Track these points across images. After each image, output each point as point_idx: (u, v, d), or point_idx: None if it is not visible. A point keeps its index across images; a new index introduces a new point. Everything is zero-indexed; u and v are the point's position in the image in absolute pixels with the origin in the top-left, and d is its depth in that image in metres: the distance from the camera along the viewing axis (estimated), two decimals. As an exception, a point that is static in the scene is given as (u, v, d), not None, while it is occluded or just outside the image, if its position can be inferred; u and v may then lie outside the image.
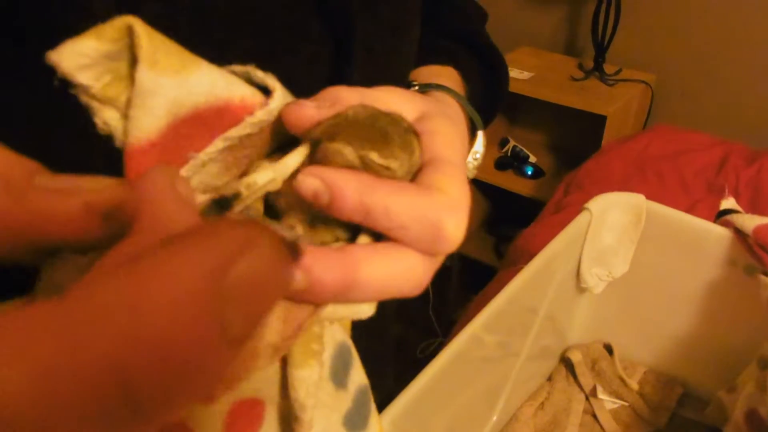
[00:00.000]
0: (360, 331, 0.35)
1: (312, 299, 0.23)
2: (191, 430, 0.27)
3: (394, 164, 0.27)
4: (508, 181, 1.88)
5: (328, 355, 0.32)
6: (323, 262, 0.22)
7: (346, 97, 0.27)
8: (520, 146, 1.94)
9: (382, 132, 0.27)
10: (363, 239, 0.26)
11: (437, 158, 0.27)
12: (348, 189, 0.23)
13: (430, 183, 0.25)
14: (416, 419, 0.57)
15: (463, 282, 2.14)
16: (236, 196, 0.23)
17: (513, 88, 1.73)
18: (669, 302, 0.85)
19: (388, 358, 0.59)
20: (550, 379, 0.88)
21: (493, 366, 0.73)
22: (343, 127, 0.25)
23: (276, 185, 0.24)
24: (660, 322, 0.86)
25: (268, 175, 0.24)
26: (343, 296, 0.23)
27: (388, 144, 0.27)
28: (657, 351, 0.87)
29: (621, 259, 0.85)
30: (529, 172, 1.89)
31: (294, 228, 0.26)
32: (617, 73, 1.81)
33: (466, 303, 1.39)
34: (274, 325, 0.23)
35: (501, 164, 1.91)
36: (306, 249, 0.23)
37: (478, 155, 0.45)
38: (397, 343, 0.64)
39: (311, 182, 0.23)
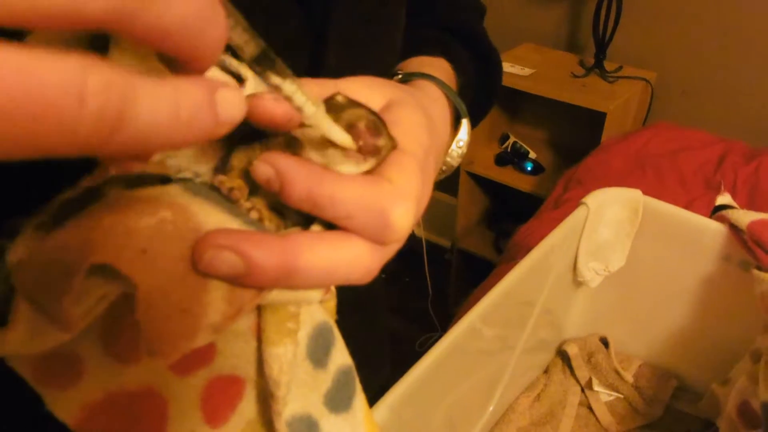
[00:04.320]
0: (350, 319, 0.35)
1: (252, 284, 0.23)
2: (165, 400, 0.28)
3: (387, 145, 0.28)
4: (507, 176, 1.89)
5: (304, 335, 0.33)
6: (262, 248, 0.23)
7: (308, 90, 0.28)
8: (520, 142, 1.95)
9: (379, 116, 0.28)
10: (315, 227, 0.26)
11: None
12: (297, 178, 0.24)
13: (379, 173, 0.26)
14: (414, 407, 0.58)
15: (462, 277, 2.15)
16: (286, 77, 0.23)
17: (514, 84, 1.74)
18: (665, 296, 0.86)
19: (382, 346, 0.60)
20: (546, 371, 0.89)
21: (490, 358, 0.74)
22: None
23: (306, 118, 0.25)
24: (655, 316, 0.87)
25: (311, 110, 0.24)
26: (283, 282, 0.24)
27: (384, 128, 0.28)
28: (652, 344, 0.89)
29: (618, 253, 0.86)
30: (529, 168, 1.90)
31: (252, 210, 0.27)
32: (618, 70, 1.81)
33: (464, 298, 1.41)
34: (217, 305, 0.24)
35: (501, 160, 1.92)
36: (246, 232, 0.23)
37: (461, 143, 0.45)
38: (396, 337, 0.65)
39: (265, 169, 0.24)
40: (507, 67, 1.81)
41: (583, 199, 0.82)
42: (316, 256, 0.24)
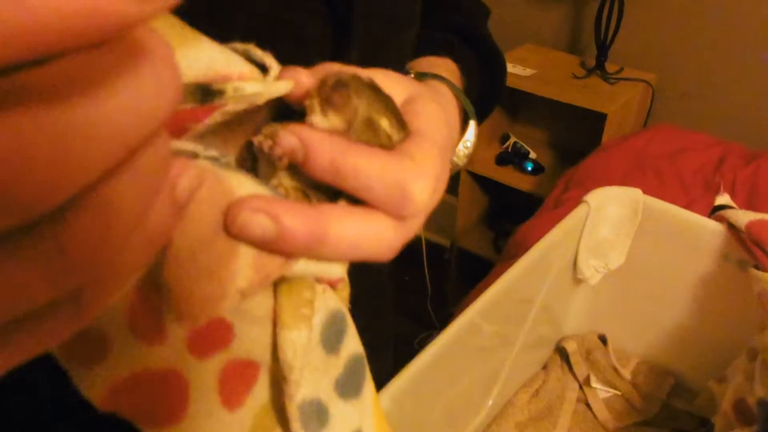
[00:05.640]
0: (359, 308, 0.36)
1: (281, 249, 0.24)
2: (187, 382, 0.29)
3: (395, 137, 0.29)
4: (508, 176, 1.90)
5: (318, 321, 0.33)
6: (295, 215, 0.24)
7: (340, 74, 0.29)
8: (520, 142, 1.95)
9: (389, 102, 0.29)
10: (342, 203, 0.27)
11: (414, 132, 0.29)
12: (321, 149, 0.25)
13: (401, 151, 0.28)
14: (415, 399, 0.59)
15: (462, 276, 2.16)
16: (220, 91, 0.24)
17: (515, 84, 1.75)
18: (663, 295, 0.87)
19: (387, 342, 0.61)
20: (545, 367, 0.90)
21: (489, 353, 0.75)
22: (357, 84, 0.27)
23: (259, 100, 0.25)
24: (654, 314, 0.88)
25: (256, 88, 0.25)
26: (312, 250, 0.25)
27: (395, 116, 0.29)
28: (650, 342, 0.89)
29: (617, 251, 0.87)
30: (529, 168, 1.91)
31: (279, 187, 0.28)
32: (619, 72, 1.82)
33: (464, 297, 1.42)
34: (245, 271, 0.24)
35: (501, 160, 1.93)
36: (279, 199, 0.24)
37: (468, 143, 0.47)
38: (395, 335, 0.66)
39: (290, 139, 0.25)
40: (509, 67, 1.82)
41: (584, 197, 0.83)
42: (343, 227, 0.25)
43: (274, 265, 0.26)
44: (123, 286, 0.20)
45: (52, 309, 0.16)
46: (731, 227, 0.81)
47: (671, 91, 1.87)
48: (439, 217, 2.35)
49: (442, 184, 0.31)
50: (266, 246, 0.25)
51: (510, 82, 1.76)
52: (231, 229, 0.24)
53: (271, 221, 0.23)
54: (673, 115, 1.87)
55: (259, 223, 0.23)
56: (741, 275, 0.80)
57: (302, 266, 0.28)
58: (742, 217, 0.81)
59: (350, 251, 0.26)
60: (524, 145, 1.95)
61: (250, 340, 0.32)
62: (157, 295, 0.27)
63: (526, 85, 1.75)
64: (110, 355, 0.27)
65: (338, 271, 0.30)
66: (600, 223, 0.85)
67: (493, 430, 0.79)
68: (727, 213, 0.83)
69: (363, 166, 0.26)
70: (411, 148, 0.28)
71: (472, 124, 0.46)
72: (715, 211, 0.85)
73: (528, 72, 1.80)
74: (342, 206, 0.27)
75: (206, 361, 0.30)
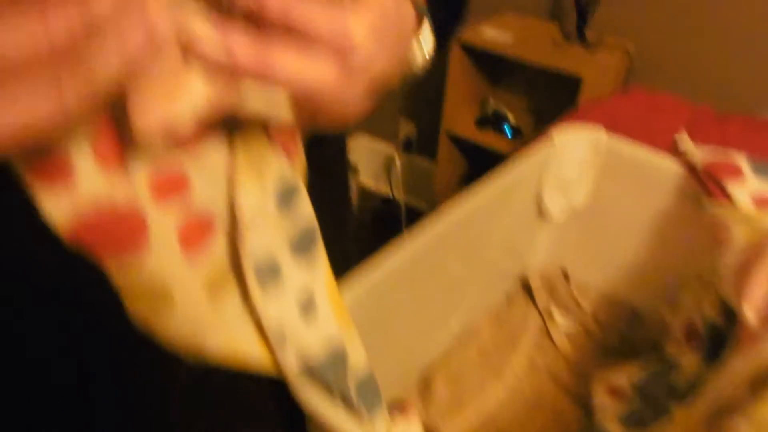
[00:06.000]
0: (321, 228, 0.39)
1: (230, 69, 0.27)
2: (147, 224, 0.31)
3: None
4: (487, 139, 1.93)
5: (272, 181, 0.36)
6: (245, 40, 0.27)
7: None
8: (500, 107, 1.98)
9: None
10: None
11: None
12: None
13: (345, 3, 0.31)
14: (378, 304, 0.62)
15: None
16: None
17: (495, 48, 1.78)
18: (624, 231, 0.90)
19: (346, 231, 0.64)
20: (508, 299, 0.93)
21: (452, 278, 0.77)
22: None
23: None
24: (615, 249, 0.92)
25: None
26: (258, 73, 0.28)
27: None
28: (611, 277, 0.93)
29: (581, 189, 0.90)
30: (508, 132, 1.94)
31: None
32: (598, 39, 1.85)
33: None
34: (198, 93, 0.28)
35: (481, 123, 1.96)
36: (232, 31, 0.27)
37: (426, 46, 0.49)
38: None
39: None
40: (489, 32, 1.84)
41: (550, 134, 0.86)
42: (287, 58, 0.28)
43: (224, 93, 0.29)
44: (97, 95, 0.22)
45: (34, 81, 0.19)
46: (689, 165, 0.84)
47: (649, 60, 1.90)
48: (418, 180, 2.38)
49: (382, 42, 0.34)
50: (218, 69, 0.28)
51: (490, 47, 1.78)
52: (188, 53, 0.27)
53: (223, 45, 0.27)
54: (652, 84, 1.91)
55: (212, 47, 0.27)
56: (697, 210, 0.83)
57: (251, 103, 0.31)
58: (700, 154, 0.85)
59: (295, 80, 0.29)
60: (504, 109, 1.98)
61: (207, 194, 0.35)
62: (121, 123, 0.30)
63: (506, 50, 1.77)
64: (74, 179, 0.29)
65: (286, 113, 0.33)
66: (564, 161, 0.88)
67: (456, 352, 0.82)
68: (687, 150, 0.87)
69: (310, 11, 0.29)
70: (356, 3, 0.32)
71: (426, 23, 0.48)
72: (675, 150, 0.89)
73: (508, 38, 1.83)
74: (287, 44, 0.30)
75: (166, 207, 0.33)
